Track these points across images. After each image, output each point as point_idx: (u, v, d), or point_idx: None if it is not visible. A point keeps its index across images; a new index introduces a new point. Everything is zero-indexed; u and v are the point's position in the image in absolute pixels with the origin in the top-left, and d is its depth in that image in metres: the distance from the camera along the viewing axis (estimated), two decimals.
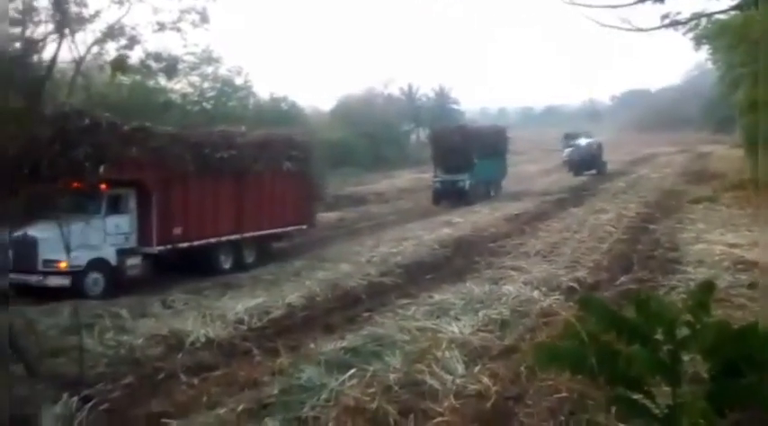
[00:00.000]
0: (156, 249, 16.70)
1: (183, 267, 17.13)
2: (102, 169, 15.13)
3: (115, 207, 16.29)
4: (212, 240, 18.00)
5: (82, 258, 15.01)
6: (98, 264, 15.53)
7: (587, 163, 47.41)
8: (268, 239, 20.31)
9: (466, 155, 34.49)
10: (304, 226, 21.57)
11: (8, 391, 5.58)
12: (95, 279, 15.44)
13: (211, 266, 17.87)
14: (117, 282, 15.72)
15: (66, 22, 26.90)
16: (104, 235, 15.83)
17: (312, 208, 22.01)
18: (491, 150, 36.87)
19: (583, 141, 49.48)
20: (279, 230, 20.47)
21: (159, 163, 16.47)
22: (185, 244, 17.22)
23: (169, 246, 16.89)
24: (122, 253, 16.19)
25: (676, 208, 27.22)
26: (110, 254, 15.88)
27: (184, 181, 17.17)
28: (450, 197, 33.92)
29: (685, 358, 3.96)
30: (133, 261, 16.38)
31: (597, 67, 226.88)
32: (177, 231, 17.04)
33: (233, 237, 18.62)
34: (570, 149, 49.41)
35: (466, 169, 34.32)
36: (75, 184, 15.25)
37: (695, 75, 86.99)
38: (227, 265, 18.40)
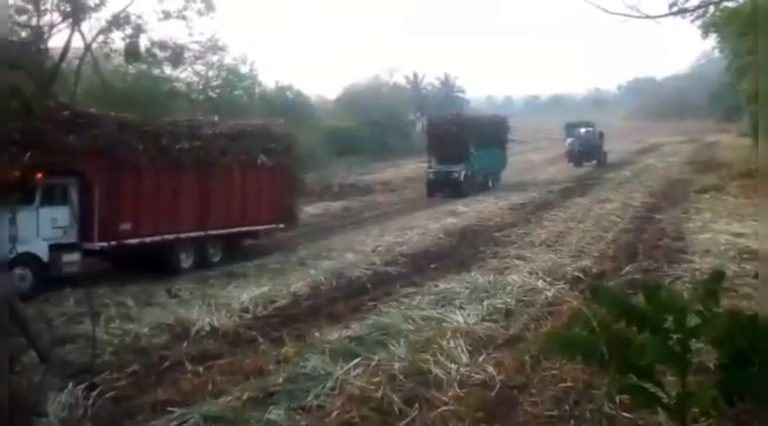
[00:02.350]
0: (98, 245, 15.14)
1: (137, 265, 15.85)
2: (27, 156, 13.58)
3: (51, 197, 14.73)
4: (169, 237, 16.47)
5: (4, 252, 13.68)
6: (25, 259, 13.87)
7: (587, 153, 46.35)
8: (238, 237, 18.81)
9: (462, 145, 33.27)
10: (281, 225, 19.88)
11: (18, 378, 5.57)
12: (21, 276, 13.71)
13: (168, 264, 16.51)
14: (50, 280, 14.06)
15: (75, 10, 26.94)
16: (36, 228, 14.24)
17: (292, 205, 20.20)
18: (490, 140, 35.66)
19: (582, 130, 48.28)
20: (251, 228, 18.98)
21: (104, 152, 14.93)
22: (135, 241, 15.73)
23: (114, 242, 15.33)
24: (58, 248, 14.63)
25: (682, 198, 27.16)
26: (41, 249, 14.31)
27: (136, 172, 15.67)
28: (443, 188, 32.85)
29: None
30: (71, 257, 14.73)
31: (604, 56, 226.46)
32: (125, 226, 15.55)
33: (195, 235, 17.11)
34: (571, 139, 48.79)
35: (461, 160, 33.16)
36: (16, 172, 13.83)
37: (702, 64, 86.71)
38: (186, 264, 16.93)
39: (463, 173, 33.00)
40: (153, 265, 16.11)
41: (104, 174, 15.13)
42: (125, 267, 15.96)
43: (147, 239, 16.03)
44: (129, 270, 15.72)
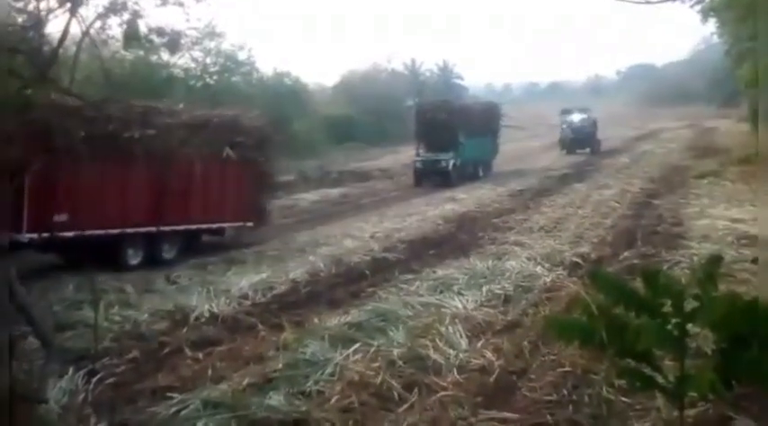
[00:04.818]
0: (27, 236, 13.85)
1: (78, 259, 14.38)
2: None
3: None
4: (114, 231, 15.35)
5: None
6: None
7: (580, 141, 45.56)
8: (196, 234, 17.81)
9: (451, 133, 32.20)
10: (249, 224, 18.65)
11: (18, 364, 5.58)
12: None
13: (114, 259, 15.36)
14: None
15: None
16: None
17: (261, 203, 18.99)
18: (480, 128, 34.68)
19: (576, 117, 47.38)
20: (211, 226, 17.96)
21: (37, 136, 13.39)
22: (71, 234, 14.46)
23: (46, 234, 14.11)
24: None
25: (681, 184, 27.18)
26: None
27: (75, 161, 14.12)
28: (431, 177, 32.16)
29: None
30: None
31: (603, 42, 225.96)
32: (60, 218, 14.30)
33: (144, 230, 16.05)
34: (564, 126, 47.62)
35: (450, 148, 32.24)
36: None
37: (702, 50, 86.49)
38: (134, 260, 15.89)
39: (452, 161, 32.09)
40: (98, 260, 14.83)
41: (36, 161, 13.61)
42: (68, 261, 14.89)
43: (87, 232, 14.78)
44: (71, 264, 14.60)
